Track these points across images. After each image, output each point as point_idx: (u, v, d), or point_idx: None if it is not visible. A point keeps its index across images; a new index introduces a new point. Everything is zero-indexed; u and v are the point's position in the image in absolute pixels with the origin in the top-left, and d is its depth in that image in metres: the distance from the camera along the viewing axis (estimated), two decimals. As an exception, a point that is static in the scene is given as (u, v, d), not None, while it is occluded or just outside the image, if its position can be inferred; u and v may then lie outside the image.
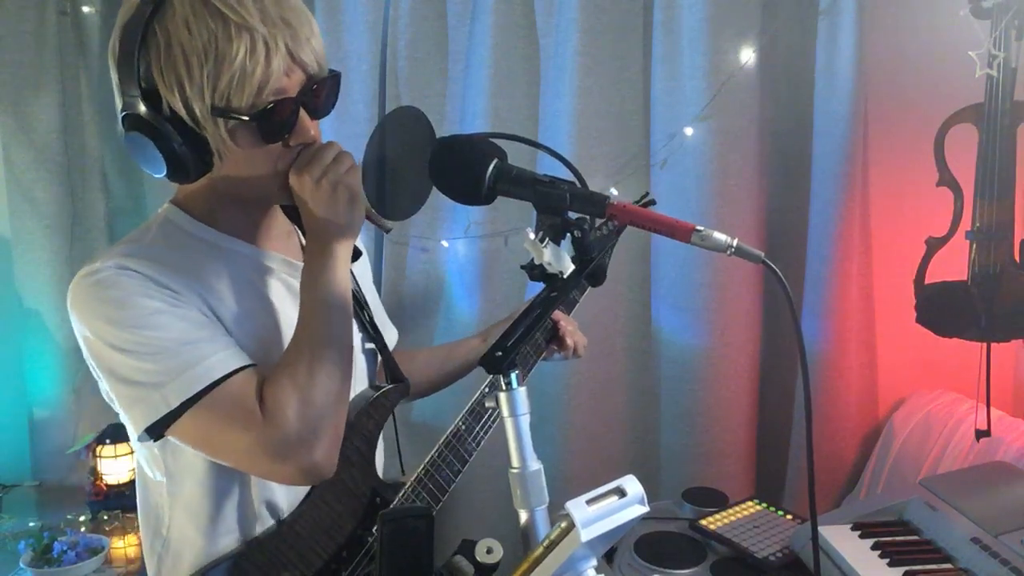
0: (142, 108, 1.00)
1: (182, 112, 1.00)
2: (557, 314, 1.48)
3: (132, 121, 1.01)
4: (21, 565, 2.22)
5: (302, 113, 1.05)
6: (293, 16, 1.01)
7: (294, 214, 1.14)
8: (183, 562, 1.14)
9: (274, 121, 1.02)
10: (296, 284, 1.14)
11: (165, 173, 1.04)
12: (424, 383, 1.50)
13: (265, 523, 1.15)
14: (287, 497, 1.15)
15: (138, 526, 1.23)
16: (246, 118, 1.00)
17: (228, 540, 1.13)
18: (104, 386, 1.08)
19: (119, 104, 1.03)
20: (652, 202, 1.59)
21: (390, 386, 1.26)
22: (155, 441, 1.06)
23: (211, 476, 1.10)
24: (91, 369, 1.08)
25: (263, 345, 1.11)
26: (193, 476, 1.11)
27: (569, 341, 1.48)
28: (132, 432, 1.07)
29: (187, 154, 1.02)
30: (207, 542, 1.13)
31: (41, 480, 2.78)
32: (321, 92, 1.06)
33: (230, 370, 1.03)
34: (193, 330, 1.03)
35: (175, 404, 1.01)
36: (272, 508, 1.15)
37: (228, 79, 0.98)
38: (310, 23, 1.04)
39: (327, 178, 1.06)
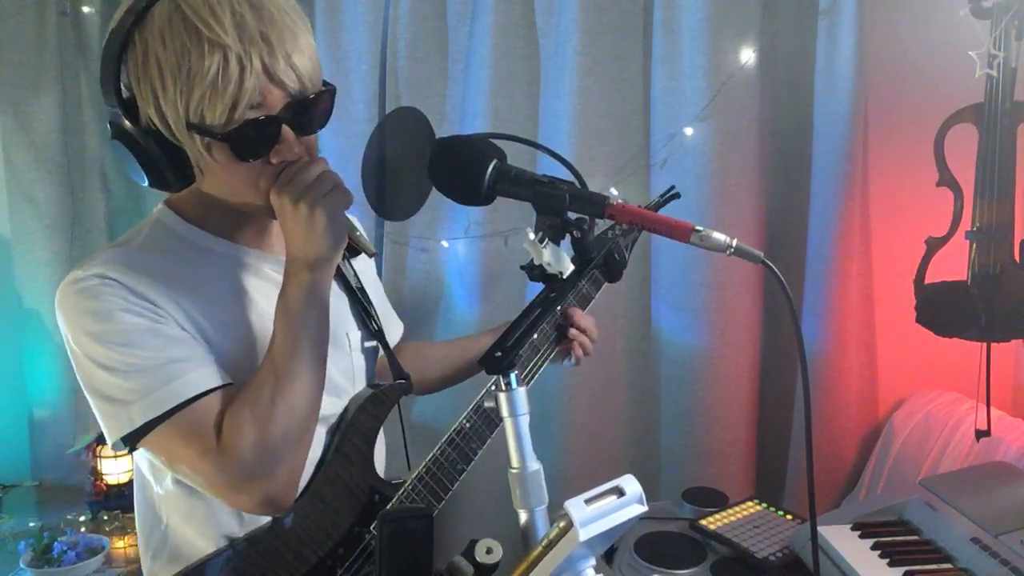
0: (122, 118, 1.00)
1: (158, 124, 0.99)
2: (573, 310, 1.46)
3: (115, 131, 1.02)
4: (21, 565, 2.22)
5: (286, 130, 1.01)
6: (274, 32, 0.97)
7: None
8: (178, 559, 1.15)
9: (248, 139, 0.99)
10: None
11: (146, 183, 1.03)
12: (437, 379, 1.50)
13: (259, 520, 1.14)
14: None
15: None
16: (218, 135, 0.98)
17: (222, 537, 1.13)
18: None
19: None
20: (677, 195, 1.57)
21: (390, 383, 1.25)
22: (130, 451, 1.08)
23: None
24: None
25: (251, 350, 1.11)
26: (183, 481, 1.11)
27: (577, 347, 1.45)
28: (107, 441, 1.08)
29: (166, 166, 1.01)
30: (201, 540, 1.13)
31: (41, 480, 2.78)
32: (306, 110, 1.02)
33: (197, 392, 1.03)
34: (169, 348, 1.03)
35: (139, 423, 1.02)
36: None
37: (200, 96, 0.95)
38: (295, 39, 0.99)
39: (304, 201, 1.02)
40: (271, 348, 1.07)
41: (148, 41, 0.97)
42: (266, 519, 1.14)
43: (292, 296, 1.06)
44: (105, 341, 1.02)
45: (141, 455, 1.15)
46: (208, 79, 0.95)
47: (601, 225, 1.44)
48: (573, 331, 1.44)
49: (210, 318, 1.08)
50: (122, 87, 1.00)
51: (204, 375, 1.04)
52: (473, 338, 1.56)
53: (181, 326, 1.06)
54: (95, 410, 1.06)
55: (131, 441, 1.05)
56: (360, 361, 1.26)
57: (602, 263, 1.42)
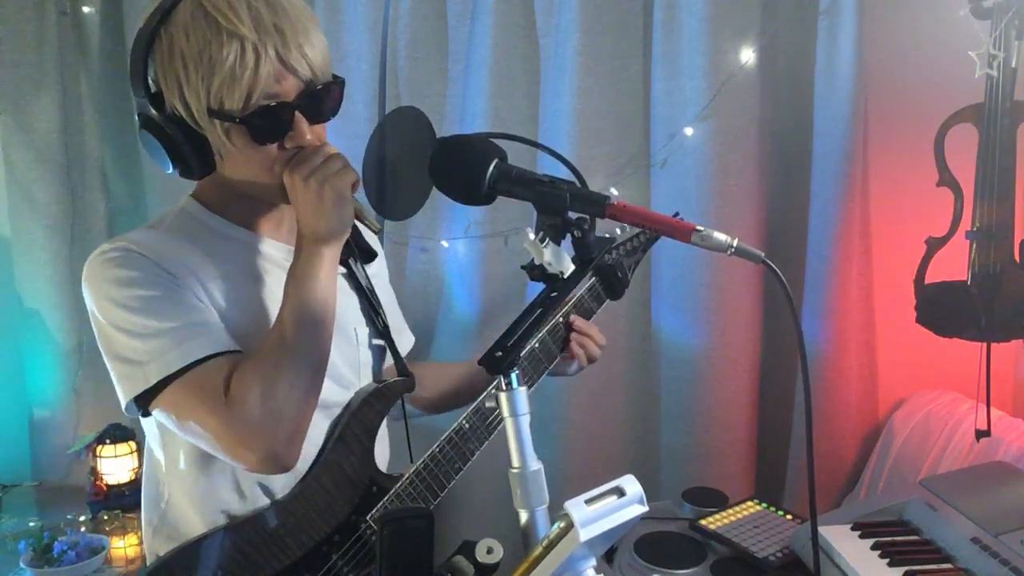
0: (150, 109, 1.09)
1: (182, 113, 1.07)
2: (574, 318, 1.47)
3: (143, 121, 1.09)
4: (21, 565, 2.22)
5: (299, 117, 1.10)
6: (287, 24, 1.06)
7: None
8: (177, 534, 1.19)
9: (264, 123, 1.07)
10: None
11: (172, 170, 1.11)
12: (435, 398, 1.50)
13: (258, 502, 1.19)
14: (282, 478, 1.18)
15: (138, 526, 1.26)
16: (237, 120, 1.06)
17: (221, 516, 1.18)
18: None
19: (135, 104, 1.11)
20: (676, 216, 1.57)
21: (394, 380, 1.29)
22: (143, 416, 1.14)
23: (203, 455, 1.14)
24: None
25: (261, 327, 1.15)
26: (187, 453, 1.17)
27: (575, 347, 1.46)
28: (121, 404, 1.13)
29: (190, 153, 1.09)
30: (200, 517, 1.18)
31: (41, 480, 2.78)
32: (317, 98, 1.11)
33: (207, 353, 1.08)
34: (185, 314, 1.10)
35: (153, 381, 1.08)
36: (266, 488, 1.19)
37: (219, 82, 1.04)
38: (307, 32, 1.08)
39: (314, 178, 1.09)
40: (278, 317, 1.12)
41: (173, 35, 1.05)
42: (265, 500, 1.18)
43: (302, 266, 1.12)
44: (126, 306, 1.09)
45: (151, 426, 1.20)
46: (227, 66, 1.03)
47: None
48: (575, 335, 1.46)
49: (225, 295, 1.15)
50: (150, 82, 1.09)
51: (216, 340, 1.10)
52: (469, 363, 1.55)
53: (199, 298, 1.12)
54: (112, 373, 1.12)
55: (144, 402, 1.10)
56: (367, 357, 1.31)
57: (609, 278, 1.44)
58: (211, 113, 1.06)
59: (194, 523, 1.18)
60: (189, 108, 1.06)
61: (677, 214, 1.56)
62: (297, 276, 1.12)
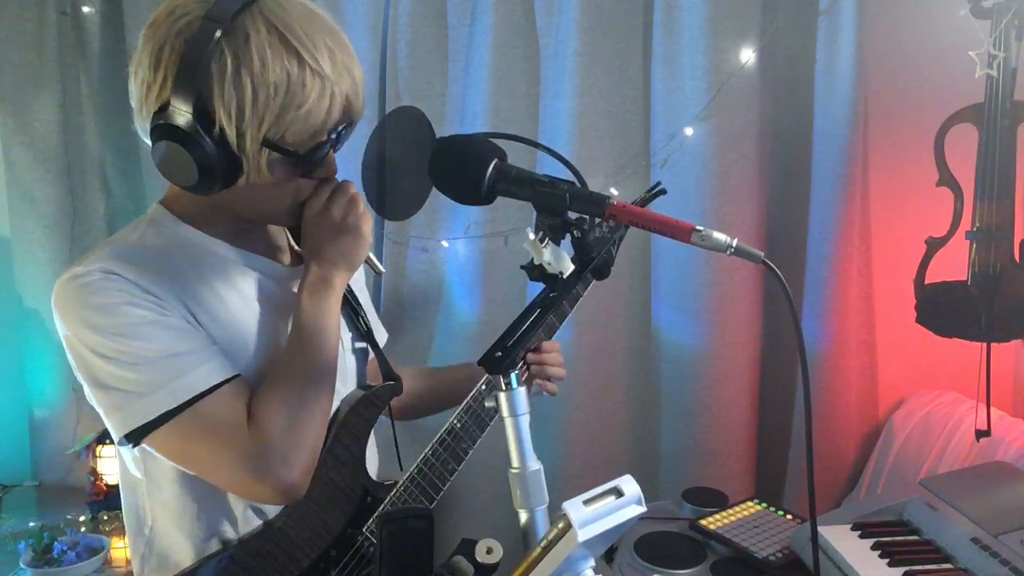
0: (186, 120, 0.97)
1: (231, 134, 0.99)
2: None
3: (168, 131, 0.99)
4: (21, 565, 2.22)
5: (330, 151, 1.09)
6: (355, 66, 1.04)
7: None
8: (167, 562, 1.15)
9: (316, 159, 1.05)
10: (276, 288, 1.17)
11: (191, 184, 1.01)
12: (415, 401, 1.49)
13: (250, 523, 1.15)
14: None
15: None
16: (292, 154, 1.02)
17: (212, 540, 1.13)
18: (85, 389, 1.08)
19: (144, 108, 1.01)
20: (663, 191, 1.56)
21: (380, 385, 1.26)
22: (133, 447, 1.07)
23: (190, 478, 1.10)
24: (72, 369, 1.07)
25: (245, 347, 1.12)
26: (172, 477, 1.11)
27: (537, 372, 1.40)
28: (113, 436, 1.07)
29: (220, 172, 1.00)
30: (190, 542, 1.13)
31: (41, 480, 2.78)
32: (348, 133, 1.09)
33: (213, 383, 1.04)
34: (177, 340, 1.04)
35: (154, 415, 1.02)
36: (257, 509, 1.15)
37: (291, 118, 0.99)
38: (360, 68, 1.06)
39: (347, 220, 1.12)
40: (295, 343, 1.11)
41: (240, 56, 0.97)
42: (256, 521, 1.15)
43: (319, 295, 1.12)
44: (112, 335, 1.02)
45: (132, 456, 1.14)
46: (306, 106, 0.99)
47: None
48: (531, 357, 1.41)
49: (210, 312, 1.10)
50: (196, 95, 0.98)
51: (217, 367, 1.06)
52: (448, 368, 1.57)
53: (186, 320, 1.07)
54: (101, 405, 1.05)
55: (139, 436, 1.04)
56: (351, 363, 1.28)
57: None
58: (265, 142, 1.00)
59: (184, 550, 1.13)
60: (242, 132, 0.98)
61: (658, 184, 1.56)
62: (312, 305, 1.12)
